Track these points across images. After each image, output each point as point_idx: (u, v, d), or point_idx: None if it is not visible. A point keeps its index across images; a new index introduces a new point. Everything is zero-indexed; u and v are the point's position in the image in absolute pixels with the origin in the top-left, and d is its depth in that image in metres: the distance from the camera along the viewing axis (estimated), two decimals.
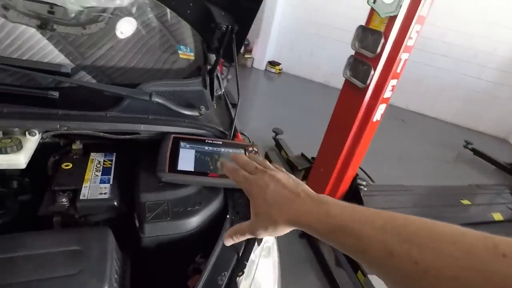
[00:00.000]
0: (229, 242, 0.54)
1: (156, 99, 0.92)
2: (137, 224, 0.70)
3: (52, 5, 1.20)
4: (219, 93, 1.22)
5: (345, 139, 1.98)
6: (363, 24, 1.80)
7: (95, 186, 0.75)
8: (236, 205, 0.84)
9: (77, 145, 0.86)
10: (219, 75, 1.22)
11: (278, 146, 3.14)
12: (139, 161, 0.86)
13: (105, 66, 1.16)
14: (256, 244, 0.76)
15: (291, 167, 2.67)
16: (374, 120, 1.93)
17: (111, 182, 0.77)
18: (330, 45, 5.47)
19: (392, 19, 1.66)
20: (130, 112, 0.88)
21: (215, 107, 1.14)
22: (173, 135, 0.88)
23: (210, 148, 0.89)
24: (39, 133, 0.74)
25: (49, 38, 1.14)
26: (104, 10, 1.27)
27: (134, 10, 1.31)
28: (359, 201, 2.20)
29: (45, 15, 1.20)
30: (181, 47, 1.21)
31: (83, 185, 0.74)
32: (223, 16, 0.94)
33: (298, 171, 2.58)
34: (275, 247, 0.81)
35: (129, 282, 0.68)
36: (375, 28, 1.75)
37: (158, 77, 1.14)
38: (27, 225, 0.71)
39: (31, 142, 0.73)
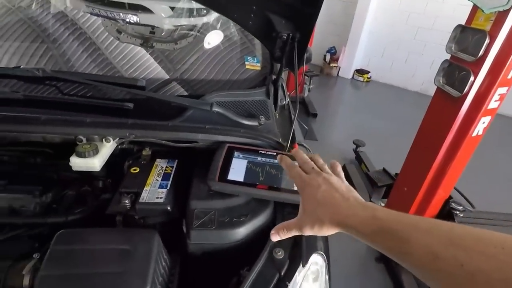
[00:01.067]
0: (275, 238, 0.58)
1: (216, 109, 0.96)
2: (185, 230, 0.73)
3: (153, 26, 1.41)
4: (283, 102, 1.20)
5: (435, 155, 1.71)
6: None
7: (154, 190, 0.81)
8: (286, 220, 0.79)
9: (146, 151, 0.95)
10: (284, 84, 1.20)
11: (359, 159, 2.93)
12: (195, 168, 0.90)
13: (190, 78, 1.29)
14: (301, 265, 0.70)
15: (371, 182, 2.44)
16: (474, 134, 1.61)
17: (168, 187, 0.82)
18: (429, 50, 4.90)
19: (502, 14, 1.38)
20: (192, 122, 0.93)
21: (277, 117, 1.12)
22: (228, 145, 0.90)
23: (263, 159, 0.87)
24: (113, 140, 0.85)
25: (150, 53, 1.35)
26: (192, 27, 1.44)
27: (219, 26, 1.44)
28: None
29: (147, 35, 1.43)
30: (248, 58, 1.24)
31: (145, 188, 0.81)
32: (283, 24, 0.92)
33: (378, 188, 2.34)
34: (324, 270, 0.74)
35: (176, 285, 0.71)
36: (478, 27, 1.47)
37: (226, 88, 1.19)
38: (100, 221, 0.82)
39: (107, 148, 0.84)
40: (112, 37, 1.41)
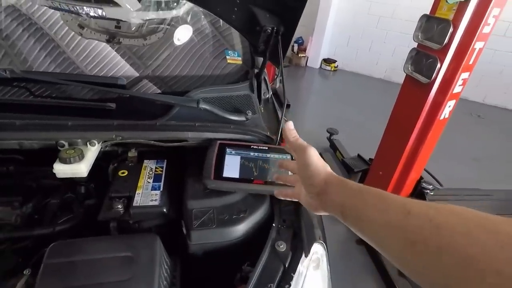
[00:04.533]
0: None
1: (204, 106, 0.94)
2: (185, 231, 0.72)
3: (118, 20, 1.32)
4: (267, 96, 1.20)
5: (407, 139, 1.81)
6: (428, 13, 1.63)
7: (147, 193, 0.78)
8: (282, 213, 0.81)
9: (132, 153, 0.91)
10: (266, 78, 1.20)
11: (333, 147, 3.02)
12: (187, 167, 0.88)
13: (163, 75, 1.23)
14: (303, 255, 0.72)
15: (347, 169, 2.53)
16: (442, 118, 1.73)
17: (161, 189, 0.80)
18: (391, 38, 5.11)
19: (463, 4, 1.46)
20: (180, 120, 0.90)
21: (262, 111, 1.12)
22: (219, 142, 0.88)
23: (256, 154, 0.87)
24: (98, 143, 0.80)
25: (117, 50, 1.26)
26: (162, 21, 1.36)
27: (189, 18, 1.38)
28: None
29: (113, 30, 1.33)
30: (229, 52, 1.22)
31: (136, 192, 0.78)
32: (267, 18, 0.91)
33: (354, 174, 2.44)
34: (325, 259, 0.76)
35: (179, 287, 0.69)
36: (442, 17, 1.56)
37: (208, 83, 1.17)
38: (91, 229, 0.78)
39: (92, 152, 0.79)
40: (73, 33, 1.31)
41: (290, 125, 0.65)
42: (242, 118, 1.01)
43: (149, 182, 0.82)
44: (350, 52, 5.69)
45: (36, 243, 0.73)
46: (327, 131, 3.14)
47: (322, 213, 0.57)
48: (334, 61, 5.74)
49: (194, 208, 0.75)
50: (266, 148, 0.90)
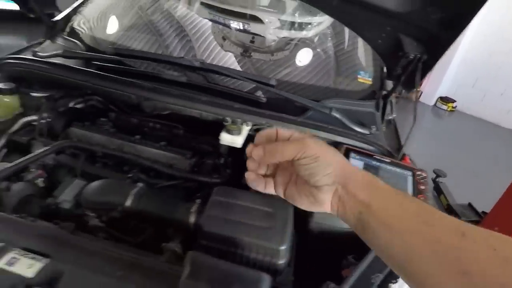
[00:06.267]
0: None
1: (335, 113, 1.08)
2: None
3: (254, 35, 1.55)
4: (389, 117, 1.27)
5: None
6: None
7: None
8: None
9: None
10: (393, 101, 1.27)
11: (437, 189, 2.77)
12: None
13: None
14: None
15: (453, 215, 2.32)
16: None
17: None
18: None
19: None
20: (313, 121, 1.06)
21: (384, 129, 1.20)
22: (345, 146, 1.01)
23: (377, 163, 0.96)
24: (251, 125, 1.02)
25: (242, 64, 1.44)
26: (291, 40, 1.54)
27: (316, 39, 1.54)
28: None
29: (248, 44, 1.57)
30: (361, 72, 1.34)
31: None
32: (413, 46, 1.00)
33: None
34: None
35: (294, 254, 0.83)
36: None
37: (331, 96, 1.29)
38: None
39: (245, 131, 1.01)
40: (214, 43, 1.50)
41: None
42: (366, 132, 1.11)
43: None
44: (475, 94, 5.13)
45: (196, 186, 0.98)
46: (433, 171, 2.92)
47: (321, 210, 0.47)
48: (453, 101, 5.25)
49: None
50: (389, 160, 0.98)
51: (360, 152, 0.99)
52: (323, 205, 0.46)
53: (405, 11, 0.87)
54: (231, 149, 1.03)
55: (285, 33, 1.53)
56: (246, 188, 0.92)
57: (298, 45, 1.51)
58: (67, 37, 1.33)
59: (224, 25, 1.53)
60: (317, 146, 0.44)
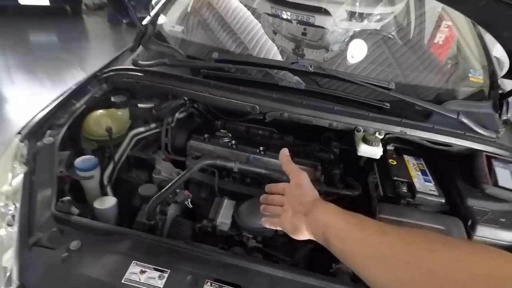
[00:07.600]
0: None
1: (462, 118, 1.03)
2: (469, 223, 0.83)
3: (306, 27, 1.46)
4: (504, 118, 1.22)
5: None
6: None
7: (422, 183, 0.92)
8: None
9: (390, 147, 1.07)
10: (509, 100, 1.22)
11: None
12: (448, 169, 0.99)
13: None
14: None
15: None
16: None
17: (433, 183, 0.93)
18: None
19: None
20: (441, 126, 1.02)
21: (504, 131, 1.15)
22: (484, 153, 0.96)
23: None
24: (384, 134, 0.98)
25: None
26: (346, 32, 1.37)
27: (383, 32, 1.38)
28: None
29: (300, 37, 1.48)
30: (471, 70, 1.28)
31: (413, 180, 0.93)
32: None
33: None
34: None
35: None
36: None
37: (444, 98, 1.24)
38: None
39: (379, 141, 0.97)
40: (265, 38, 1.40)
41: (285, 151, 0.69)
42: (493, 135, 1.06)
43: (418, 174, 0.96)
44: None
45: (332, 199, 0.96)
46: None
47: (304, 237, 0.58)
48: None
49: (474, 206, 0.85)
50: None
51: (500, 160, 0.95)
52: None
53: None
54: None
55: (357, 25, 1.44)
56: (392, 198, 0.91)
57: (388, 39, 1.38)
58: (160, 42, 1.30)
59: (283, 18, 1.40)
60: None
